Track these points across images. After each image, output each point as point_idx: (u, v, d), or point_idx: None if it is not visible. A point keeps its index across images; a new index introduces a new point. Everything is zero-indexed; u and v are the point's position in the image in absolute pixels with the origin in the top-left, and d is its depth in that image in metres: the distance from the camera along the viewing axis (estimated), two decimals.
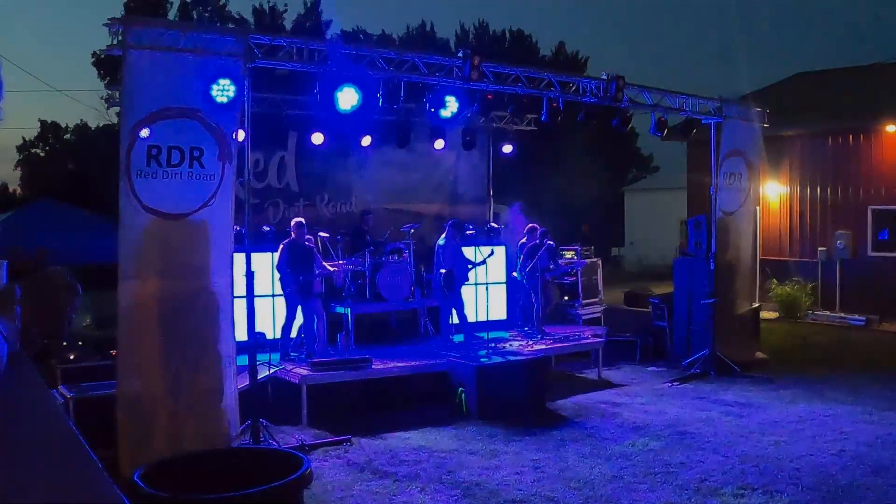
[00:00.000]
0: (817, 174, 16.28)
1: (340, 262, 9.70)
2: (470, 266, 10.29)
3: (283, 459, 4.65)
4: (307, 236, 9.17)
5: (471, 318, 10.56)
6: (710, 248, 10.87)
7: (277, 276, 9.13)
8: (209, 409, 6.51)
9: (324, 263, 9.30)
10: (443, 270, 9.97)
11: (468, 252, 10.45)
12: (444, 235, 10.23)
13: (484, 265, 10.45)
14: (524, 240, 11.13)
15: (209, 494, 4.34)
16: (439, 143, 11.66)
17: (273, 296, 9.59)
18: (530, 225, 11.20)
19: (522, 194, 15.77)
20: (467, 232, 10.28)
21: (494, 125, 12.55)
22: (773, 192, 16.69)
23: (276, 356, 8.66)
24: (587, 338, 10.74)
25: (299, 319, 9.20)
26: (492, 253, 10.83)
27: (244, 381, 7.01)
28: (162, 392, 6.28)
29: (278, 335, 9.19)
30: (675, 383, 9.93)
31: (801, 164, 16.54)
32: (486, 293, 10.38)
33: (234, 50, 6.72)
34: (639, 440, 7.32)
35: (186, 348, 6.40)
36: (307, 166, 11.43)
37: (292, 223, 9.28)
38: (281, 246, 9.00)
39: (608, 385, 10.01)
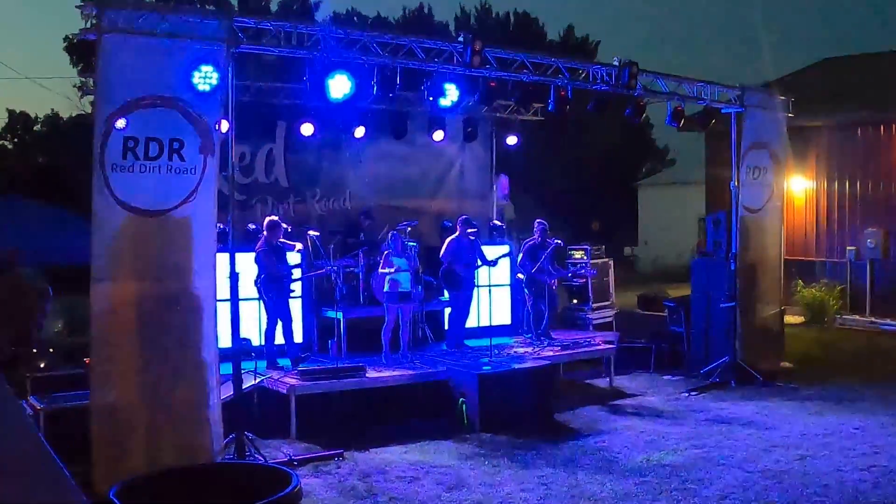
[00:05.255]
0: (846, 167, 16.28)
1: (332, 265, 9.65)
2: (482, 264, 10.29)
3: (270, 475, 4.65)
4: (280, 238, 9.05)
5: (472, 324, 10.57)
6: (730, 248, 10.87)
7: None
8: (190, 422, 6.51)
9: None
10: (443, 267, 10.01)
11: (486, 250, 10.49)
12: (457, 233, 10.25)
13: (495, 265, 10.45)
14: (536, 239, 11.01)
15: None
16: (438, 135, 11.65)
17: (260, 299, 9.56)
18: (538, 221, 11.11)
19: (529, 188, 15.56)
20: (469, 230, 10.24)
21: (498, 115, 12.54)
22: (798, 187, 16.65)
23: (262, 364, 8.65)
24: (598, 344, 10.74)
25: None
26: (508, 253, 10.86)
27: (228, 391, 7.01)
28: (139, 403, 6.28)
29: (263, 342, 9.17)
30: (692, 393, 9.92)
31: (828, 157, 16.53)
32: (489, 296, 10.37)
33: (216, 33, 6.72)
34: (654, 455, 7.32)
35: (166, 356, 6.39)
36: (297, 160, 11.43)
37: (265, 223, 9.11)
38: (256, 254, 8.89)
39: (621, 395, 10.01)
